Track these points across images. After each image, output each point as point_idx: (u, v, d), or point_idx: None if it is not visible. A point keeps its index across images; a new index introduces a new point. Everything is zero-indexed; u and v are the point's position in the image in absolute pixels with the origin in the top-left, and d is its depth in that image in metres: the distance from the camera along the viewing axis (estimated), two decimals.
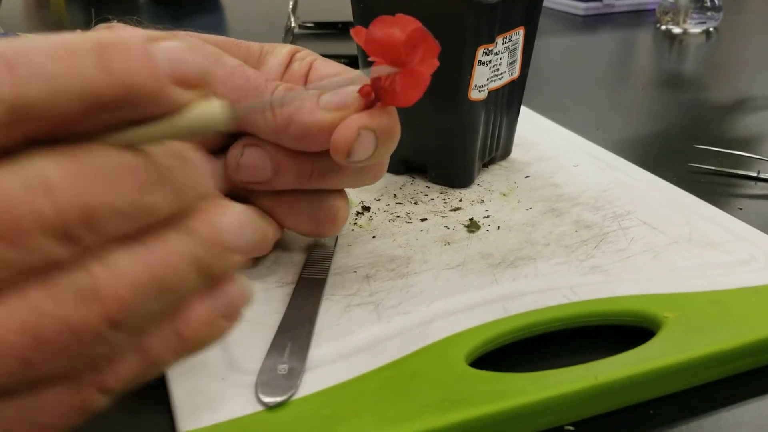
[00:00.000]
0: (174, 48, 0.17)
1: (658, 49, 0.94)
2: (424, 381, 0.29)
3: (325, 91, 0.31)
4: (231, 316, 0.20)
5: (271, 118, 0.31)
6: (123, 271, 0.17)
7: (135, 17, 0.36)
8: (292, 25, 0.84)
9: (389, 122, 0.31)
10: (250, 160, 0.33)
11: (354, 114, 0.31)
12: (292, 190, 0.34)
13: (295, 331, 0.31)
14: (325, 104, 0.31)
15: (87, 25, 0.33)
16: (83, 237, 0.16)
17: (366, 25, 0.42)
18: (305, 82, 0.34)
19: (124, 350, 0.19)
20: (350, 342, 0.31)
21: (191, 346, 0.20)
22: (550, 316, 0.33)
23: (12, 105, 0.15)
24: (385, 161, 0.35)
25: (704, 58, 0.91)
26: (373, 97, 0.31)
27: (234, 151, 0.33)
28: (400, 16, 0.29)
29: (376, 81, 0.30)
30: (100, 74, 0.16)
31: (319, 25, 0.87)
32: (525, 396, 0.28)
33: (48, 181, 0.15)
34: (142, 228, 0.18)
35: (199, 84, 0.18)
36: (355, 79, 0.30)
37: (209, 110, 0.18)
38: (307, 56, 0.35)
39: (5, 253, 0.15)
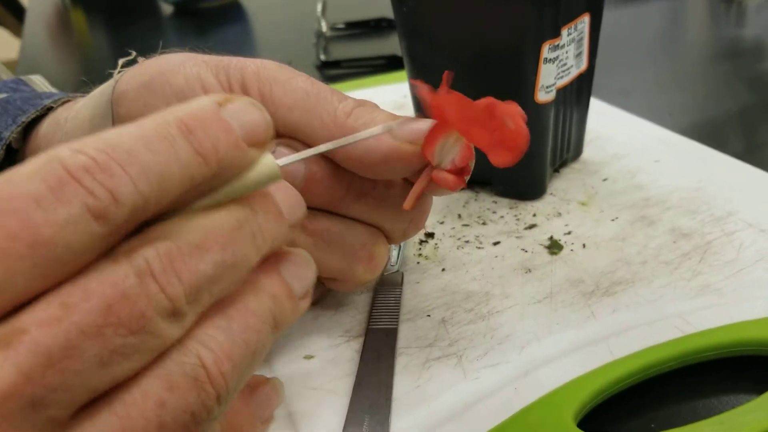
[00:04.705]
0: (241, 109, 0.18)
1: (714, 15, 0.87)
2: None
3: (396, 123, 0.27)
4: (267, 419, 0.22)
5: (331, 125, 0.27)
6: (222, 347, 0.17)
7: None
8: (323, 30, 0.79)
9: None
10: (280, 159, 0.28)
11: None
12: (325, 217, 0.29)
13: (372, 399, 0.27)
14: (398, 135, 0.27)
15: (111, 49, 0.29)
16: (186, 312, 0.17)
17: (409, 29, 0.38)
18: None
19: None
20: (435, 408, 0.27)
21: None
22: (665, 354, 0.28)
23: (134, 205, 0.16)
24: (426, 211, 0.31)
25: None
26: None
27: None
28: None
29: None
30: (195, 157, 0.17)
31: (351, 26, 0.83)
32: None
33: (151, 265, 0.16)
34: (231, 289, 0.18)
35: (266, 140, 0.18)
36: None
37: (267, 164, 0.18)
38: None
39: (130, 341, 0.15)
